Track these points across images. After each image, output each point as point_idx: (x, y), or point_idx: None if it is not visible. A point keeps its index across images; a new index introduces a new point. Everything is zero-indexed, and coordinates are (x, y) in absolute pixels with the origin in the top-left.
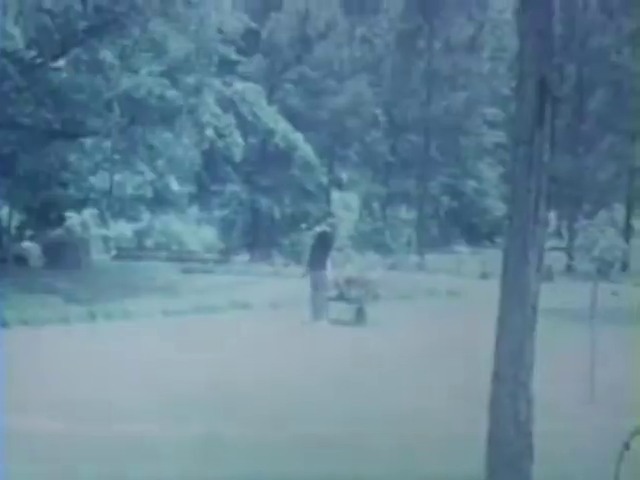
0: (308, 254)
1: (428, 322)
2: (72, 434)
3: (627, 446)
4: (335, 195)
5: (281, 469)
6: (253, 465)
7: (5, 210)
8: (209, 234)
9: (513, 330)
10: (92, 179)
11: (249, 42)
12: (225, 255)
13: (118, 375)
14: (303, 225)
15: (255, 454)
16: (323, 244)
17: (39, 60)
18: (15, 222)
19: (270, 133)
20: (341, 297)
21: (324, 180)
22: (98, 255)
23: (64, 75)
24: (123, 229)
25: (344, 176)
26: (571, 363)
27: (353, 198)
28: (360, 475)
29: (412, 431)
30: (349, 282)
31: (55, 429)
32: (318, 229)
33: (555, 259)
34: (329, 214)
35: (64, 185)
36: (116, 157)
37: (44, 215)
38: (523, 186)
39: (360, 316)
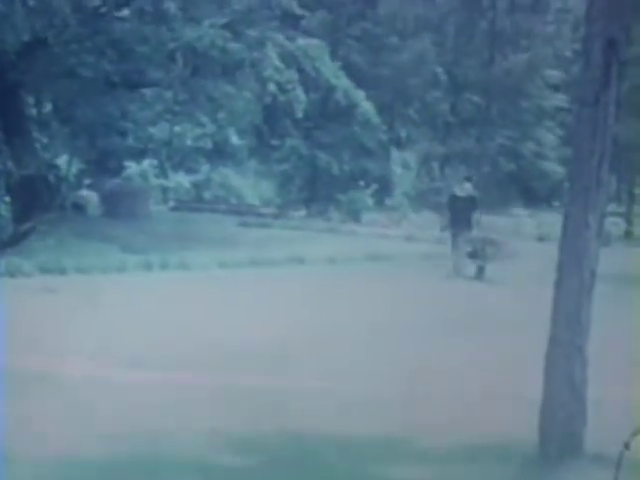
0: (450, 214)
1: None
2: (123, 381)
3: (627, 446)
4: (394, 153)
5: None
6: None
7: (64, 158)
8: (267, 188)
9: (570, 293)
10: (152, 129)
11: None
12: (282, 210)
13: (171, 325)
14: (361, 182)
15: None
16: (469, 206)
17: (102, 9)
18: (74, 170)
19: (332, 89)
20: (474, 255)
21: (384, 138)
22: (156, 206)
23: (127, 25)
24: (182, 180)
25: (404, 134)
26: (627, 328)
27: (411, 157)
28: (408, 432)
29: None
30: (484, 242)
31: (104, 375)
32: (460, 192)
33: (613, 224)
34: (468, 178)
35: (123, 135)
36: (177, 108)
37: (103, 164)
38: (586, 148)
39: (480, 273)
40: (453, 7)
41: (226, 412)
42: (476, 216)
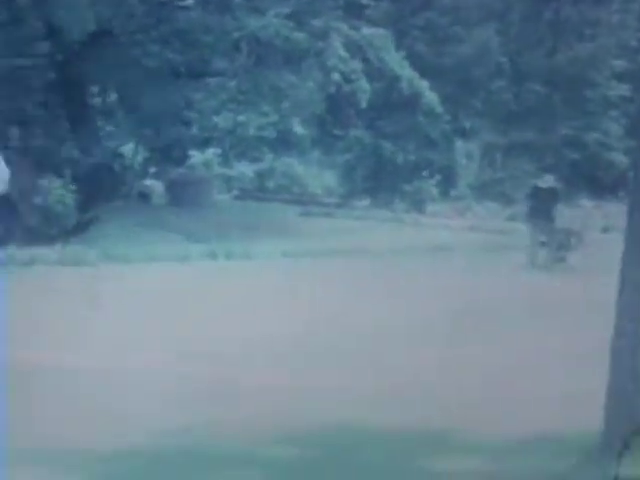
0: (531, 205)
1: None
2: (180, 372)
3: (627, 446)
4: (458, 144)
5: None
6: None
7: (129, 147)
8: (330, 178)
9: (635, 284)
10: (216, 118)
11: None
12: (345, 199)
13: (233, 315)
14: (425, 173)
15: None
16: (550, 198)
17: None
18: (139, 159)
19: (396, 79)
20: (558, 246)
21: (447, 128)
22: (220, 194)
23: (191, 15)
24: (245, 169)
25: (467, 125)
26: None
27: (474, 147)
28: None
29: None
30: (568, 233)
31: (162, 366)
32: (542, 184)
33: None
34: (549, 170)
35: (188, 124)
36: (240, 97)
37: (167, 153)
38: None
39: (560, 263)
40: None
41: (274, 405)
42: (557, 208)
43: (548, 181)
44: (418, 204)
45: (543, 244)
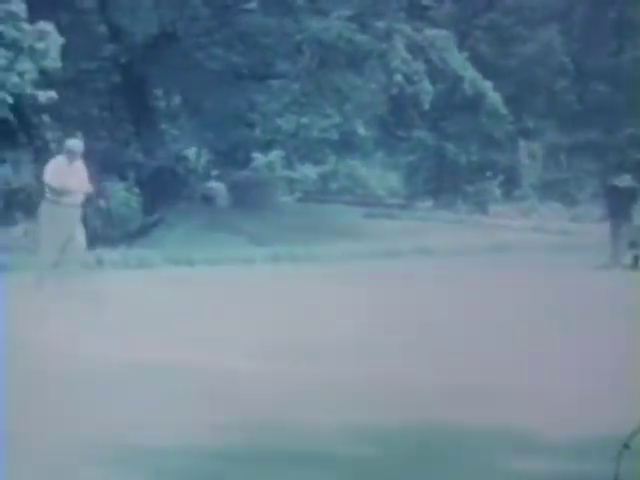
0: (609, 204)
1: None
2: (250, 372)
3: (627, 446)
4: (521, 144)
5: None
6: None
7: (193, 150)
8: (393, 179)
9: None
10: (279, 121)
11: None
12: (409, 201)
13: (298, 316)
14: (488, 173)
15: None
16: (629, 197)
17: (231, 2)
18: (202, 162)
19: (459, 80)
20: (634, 245)
21: (511, 128)
22: (283, 197)
23: (254, 17)
24: (308, 171)
25: (530, 125)
26: None
27: (538, 148)
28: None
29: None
30: None
31: (232, 365)
32: (620, 183)
33: None
34: (627, 169)
35: (251, 126)
36: (303, 100)
37: (231, 155)
38: None
39: (636, 262)
40: None
41: (354, 404)
42: (636, 206)
43: (626, 180)
44: (481, 205)
45: (622, 243)
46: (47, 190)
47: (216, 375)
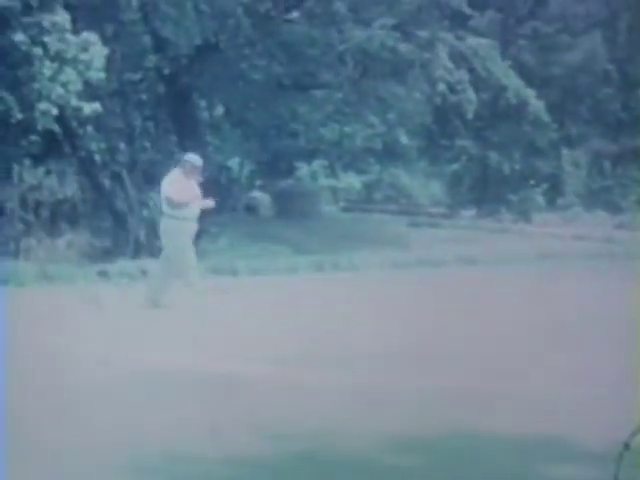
0: None
1: None
2: (291, 382)
3: (627, 446)
4: (565, 152)
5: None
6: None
7: (236, 160)
8: (437, 188)
9: None
10: (322, 130)
11: None
12: (452, 210)
13: (339, 326)
14: (532, 182)
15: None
16: None
17: (273, 12)
18: (246, 172)
19: (502, 89)
20: None
21: (554, 137)
22: (327, 206)
23: (296, 28)
24: (352, 181)
25: (574, 133)
26: None
27: (582, 155)
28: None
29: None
30: None
31: (271, 376)
32: None
33: None
34: None
35: (294, 136)
36: (346, 109)
37: (274, 165)
38: None
39: None
40: (625, 3)
41: (391, 413)
42: None
43: None
44: (525, 213)
45: None
46: (164, 205)
47: (256, 384)
